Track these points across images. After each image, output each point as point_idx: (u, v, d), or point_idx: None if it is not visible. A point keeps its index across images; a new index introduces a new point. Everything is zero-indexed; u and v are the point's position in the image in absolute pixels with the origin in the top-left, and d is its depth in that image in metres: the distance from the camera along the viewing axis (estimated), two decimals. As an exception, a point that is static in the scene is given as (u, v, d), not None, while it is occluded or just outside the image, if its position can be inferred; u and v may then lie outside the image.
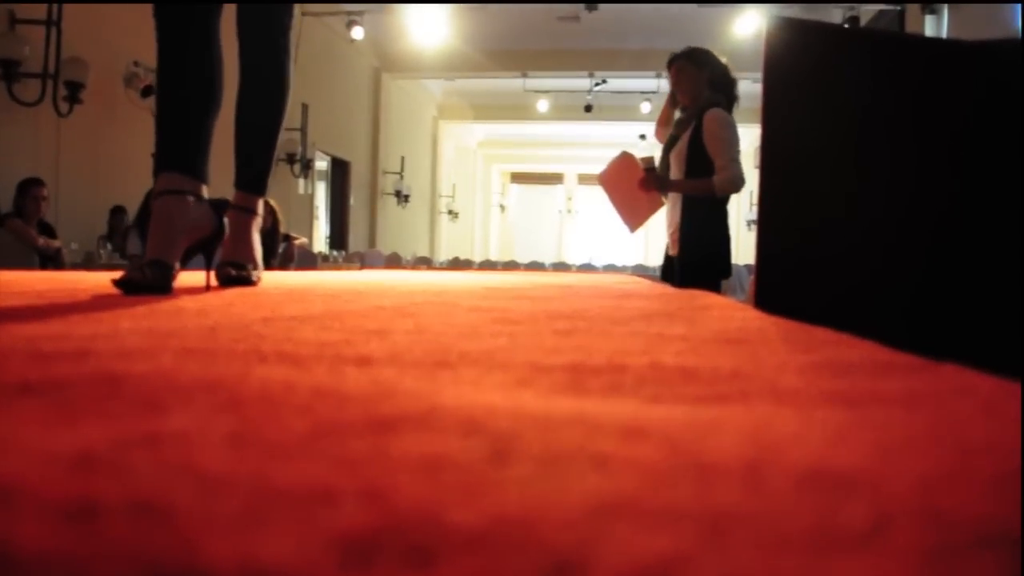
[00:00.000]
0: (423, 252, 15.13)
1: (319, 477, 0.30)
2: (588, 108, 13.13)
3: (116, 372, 0.51)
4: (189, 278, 1.78)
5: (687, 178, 3.29)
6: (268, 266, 4.00)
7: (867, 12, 9.70)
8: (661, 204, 3.38)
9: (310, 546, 0.24)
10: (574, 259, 17.31)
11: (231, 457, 0.33)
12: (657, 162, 3.41)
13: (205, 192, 1.69)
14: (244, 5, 1.85)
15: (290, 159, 9.84)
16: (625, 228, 3.47)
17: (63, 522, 0.25)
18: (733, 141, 3.25)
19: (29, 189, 5.25)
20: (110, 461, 0.31)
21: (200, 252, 1.69)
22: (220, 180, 1.83)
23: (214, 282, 1.75)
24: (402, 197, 14.17)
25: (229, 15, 1.83)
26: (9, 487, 0.27)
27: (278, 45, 1.87)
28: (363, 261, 9.99)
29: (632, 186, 3.33)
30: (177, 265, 1.58)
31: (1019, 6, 6.40)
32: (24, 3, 5.78)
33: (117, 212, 6.47)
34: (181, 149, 1.65)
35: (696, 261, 3.28)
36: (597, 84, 12.71)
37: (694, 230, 3.30)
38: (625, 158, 3.40)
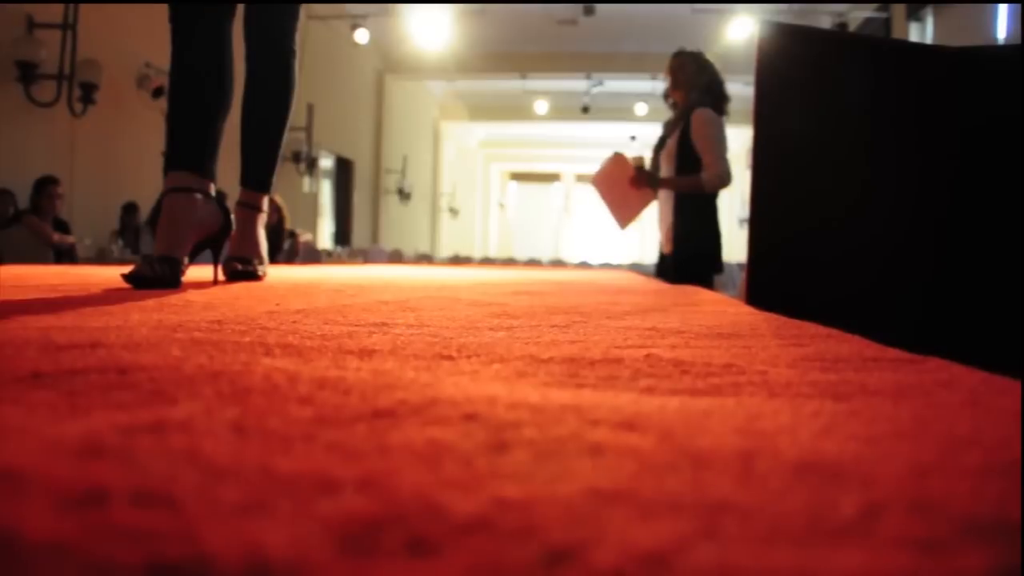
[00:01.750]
0: (424, 249, 15.15)
1: (321, 466, 0.31)
2: (585, 109, 13.15)
3: (125, 363, 0.52)
4: (197, 273, 1.80)
5: (677, 175, 3.36)
6: (274, 261, 4.02)
7: (854, 19, 9.77)
8: (652, 199, 3.46)
9: (311, 533, 0.24)
10: (571, 256, 17.31)
11: (235, 446, 0.33)
12: (648, 163, 3.49)
13: (212, 190, 1.71)
14: (252, 7, 1.86)
15: (295, 158, 9.86)
16: (616, 225, 3.55)
17: (70, 508, 0.25)
18: (720, 139, 3.33)
19: (45, 187, 5.35)
20: (117, 449, 0.32)
21: (208, 247, 1.71)
22: (225, 177, 1.85)
23: (221, 277, 1.76)
24: (404, 195, 14.20)
25: (237, 17, 1.84)
26: (17, 474, 0.28)
27: (284, 47, 1.89)
28: (366, 257, 9.99)
29: (624, 184, 3.41)
30: (186, 260, 1.60)
31: (997, 16, 6.50)
32: (41, 3, 5.81)
33: (129, 209, 6.55)
34: (190, 148, 1.67)
35: (690, 258, 3.36)
36: (594, 86, 12.74)
37: (687, 228, 3.38)
38: (617, 159, 3.48)
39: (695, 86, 3.39)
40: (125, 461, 0.30)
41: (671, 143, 3.40)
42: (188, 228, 1.62)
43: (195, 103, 1.69)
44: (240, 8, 1.81)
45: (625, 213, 3.47)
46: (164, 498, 0.26)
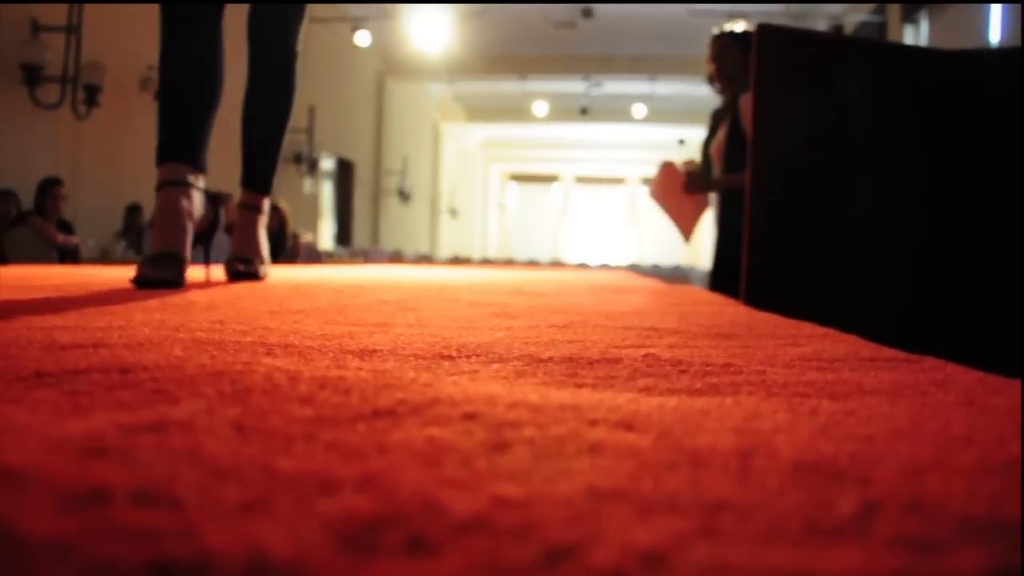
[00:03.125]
0: (424, 249, 15.18)
1: (321, 465, 0.31)
2: (584, 110, 13.16)
3: (127, 362, 0.52)
4: (199, 274, 1.80)
5: (726, 171, 3.02)
6: (275, 262, 4.06)
7: (850, 22, 9.81)
8: (706, 206, 3.16)
9: (312, 532, 0.24)
10: (570, 257, 17.34)
11: (236, 445, 0.33)
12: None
13: (202, 183, 1.71)
14: (256, 8, 1.87)
15: (297, 159, 9.87)
16: (680, 239, 3.27)
17: (71, 507, 0.25)
18: None
19: (50, 188, 5.39)
20: (118, 448, 0.32)
21: (199, 243, 1.71)
22: (228, 179, 1.85)
23: (214, 276, 1.77)
24: (404, 196, 14.23)
25: (240, 17, 1.85)
26: (20, 473, 0.28)
27: (287, 47, 1.89)
28: (367, 257, 10.02)
29: (678, 193, 3.13)
30: (188, 257, 1.60)
31: (990, 18, 6.54)
32: (46, 2, 5.83)
33: (132, 210, 6.58)
34: (184, 141, 1.66)
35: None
36: (593, 87, 12.74)
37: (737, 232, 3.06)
38: (666, 167, 3.21)
39: (743, 69, 2.95)
40: (127, 460, 0.30)
41: (720, 136, 3.08)
42: (187, 221, 1.62)
43: (186, 95, 1.69)
44: (240, 5, 1.82)
45: (684, 224, 3.18)
46: (165, 497, 0.26)
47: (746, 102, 2.83)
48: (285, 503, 0.26)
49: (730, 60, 3.04)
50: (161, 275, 1.48)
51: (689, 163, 3.22)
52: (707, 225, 3.37)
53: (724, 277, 3.06)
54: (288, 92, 1.91)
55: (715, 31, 3.17)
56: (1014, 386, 0.52)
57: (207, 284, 1.62)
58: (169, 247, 1.56)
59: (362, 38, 10.37)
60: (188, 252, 1.61)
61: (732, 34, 3.09)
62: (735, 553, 0.23)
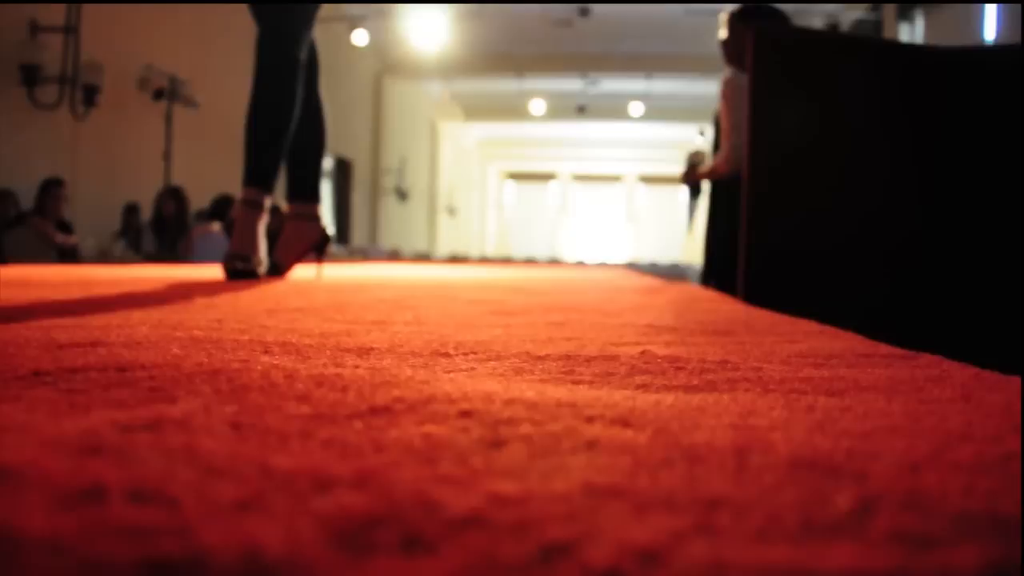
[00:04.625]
0: (422, 248, 15.19)
1: (317, 462, 0.31)
2: (581, 109, 13.17)
3: (125, 361, 0.52)
4: (199, 273, 1.82)
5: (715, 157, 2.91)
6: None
7: (845, 20, 9.83)
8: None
9: (308, 530, 0.24)
10: (568, 255, 17.36)
11: (232, 443, 0.33)
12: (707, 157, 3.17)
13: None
14: (264, 18, 1.91)
15: (295, 159, 9.89)
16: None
17: (68, 505, 0.25)
18: (737, 106, 2.58)
19: (51, 189, 5.40)
20: (115, 446, 0.32)
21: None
22: (228, 181, 1.87)
23: (214, 275, 1.80)
24: (402, 195, 14.25)
25: (245, 19, 1.87)
26: (17, 471, 0.28)
27: (290, 55, 1.93)
28: (365, 256, 10.04)
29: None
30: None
31: (984, 16, 6.56)
32: (44, 2, 5.83)
33: (131, 209, 6.57)
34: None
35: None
36: (589, 85, 12.73)
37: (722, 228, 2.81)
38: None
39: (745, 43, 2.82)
40: (123, 458, 0.30)
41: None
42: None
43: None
44: (243, 12, 1.85)
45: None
46: (161, 495, 0.26)
47: (722, 84, 2.76)
48: (281, 501, 0.26)
49: (736, 39, 2.81)
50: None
51: (695, 154, 3.22)
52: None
53: (713, 271, 2.98)
54: (290, 96, 1.93)
55: (722, 16, 3.00)
56: (1011, 382, 0.52)
57: (210, 282, 1.63)
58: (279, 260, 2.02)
59: (360, 37, 10.38)
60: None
61: (736, 15, 2.91)
62: (732, 550, 0.23)
